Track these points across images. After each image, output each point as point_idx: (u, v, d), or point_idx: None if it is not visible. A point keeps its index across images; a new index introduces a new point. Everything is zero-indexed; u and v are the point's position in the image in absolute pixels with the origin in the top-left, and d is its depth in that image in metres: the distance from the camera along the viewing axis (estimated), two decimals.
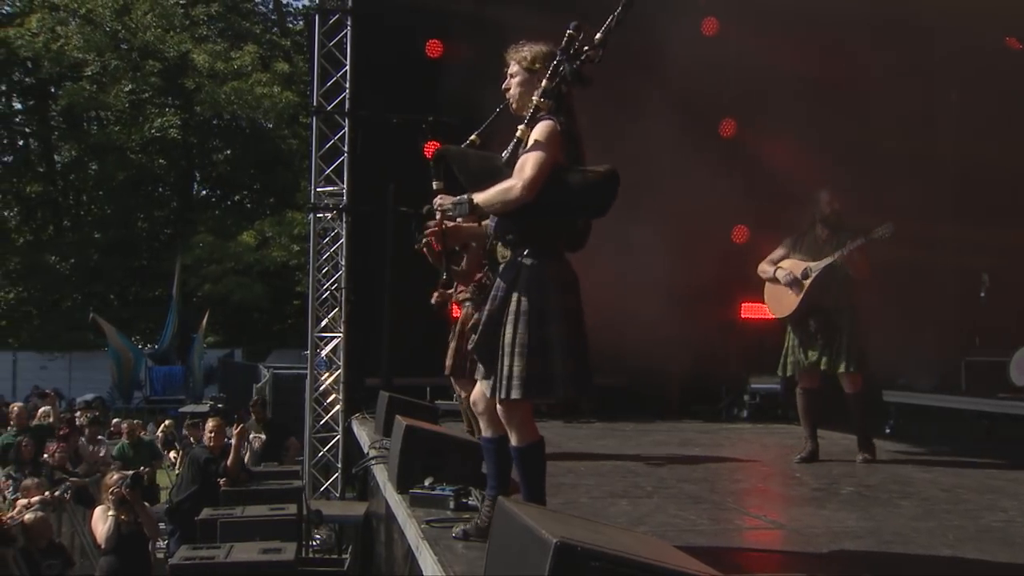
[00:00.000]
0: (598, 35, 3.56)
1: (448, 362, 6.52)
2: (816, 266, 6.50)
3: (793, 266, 6.64)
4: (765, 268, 6.84)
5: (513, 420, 3.57)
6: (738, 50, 9.43)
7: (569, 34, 3.51)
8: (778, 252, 6.81)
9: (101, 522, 7.23)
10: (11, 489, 8.85)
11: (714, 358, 10.41)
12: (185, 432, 13.73)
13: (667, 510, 4.77)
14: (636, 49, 8.23)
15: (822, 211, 6.65)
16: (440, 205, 3.65)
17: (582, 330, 3.59)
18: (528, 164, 3.44)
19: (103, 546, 7.15)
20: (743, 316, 10.41)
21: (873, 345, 6.64)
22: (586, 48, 3.55)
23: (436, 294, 6.76)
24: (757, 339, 10.17)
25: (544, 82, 3.52)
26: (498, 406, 3.56)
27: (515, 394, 3.46)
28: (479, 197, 3.52)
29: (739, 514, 4.92)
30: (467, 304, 6.42)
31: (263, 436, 11.58)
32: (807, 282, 6.54)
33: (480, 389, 3.75)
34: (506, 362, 3.48)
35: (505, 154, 3.58)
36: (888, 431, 8.41)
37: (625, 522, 4.30)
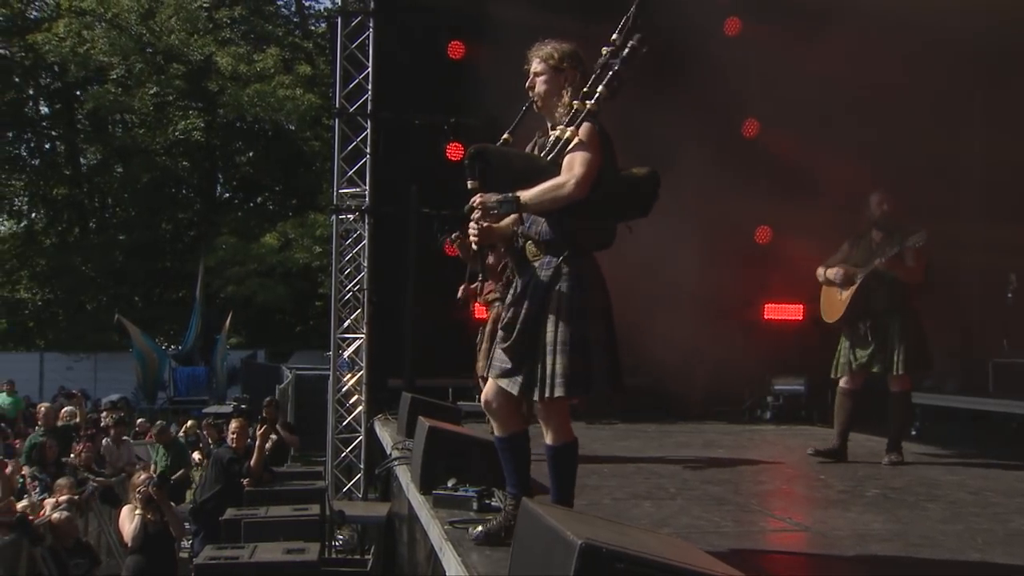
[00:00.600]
0: (614, 36, 3.56)
1: (479, 363, 6.49)
2: (862, 272, 6.49)
3: (845, 270, 6.63)
4: (820, 271, 6.82)
5: (552, 419, 3.58)
6: (761, 50, 9.40)
7: (632, 46, 3.51)
8: (836, 255, 6.80)
9: (128, 521, 7.29)
10: (37, 489, 8.94)
11: (737, 359, 10.35)
12: (205, 432, 13.83)
13: (691, 512, 4.75)
14: (657, 49, 8.24)
15: (873, 214, 6.63)
16: (483, 203, 3.53)
17: (614, 328, 3.63)
18: (577, 162, 3.45)
19: (130, 545, 7.20)
20: (766, 317, 10.37)
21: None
22: (629, 47, 3.56)
23: (462, 287, 6.72)
24: (780, 340, 10.14)
25: (600, 87, 3.53)
26: (538, 405, 3.57)
27: (558, 392, 3.47)
28: (526, 195, 3.47)
29: (763, 516, 4.89)
30: (495, 304, 6.37)
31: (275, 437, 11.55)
32: (853, 287, 6.53)
33: (493, 388, 3.72)
34: (548, 360, 3.49)
35: (543, 154, 3.58)
36: (914, 433, 8.32)
37: (649, 524, 4.28)
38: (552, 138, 3.56)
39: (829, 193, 8.72)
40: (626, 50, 3.52)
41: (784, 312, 10.27)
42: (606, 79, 3.52)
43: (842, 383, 6.72)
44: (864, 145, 9.01)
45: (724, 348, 9.98)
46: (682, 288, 9.11)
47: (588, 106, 3.51)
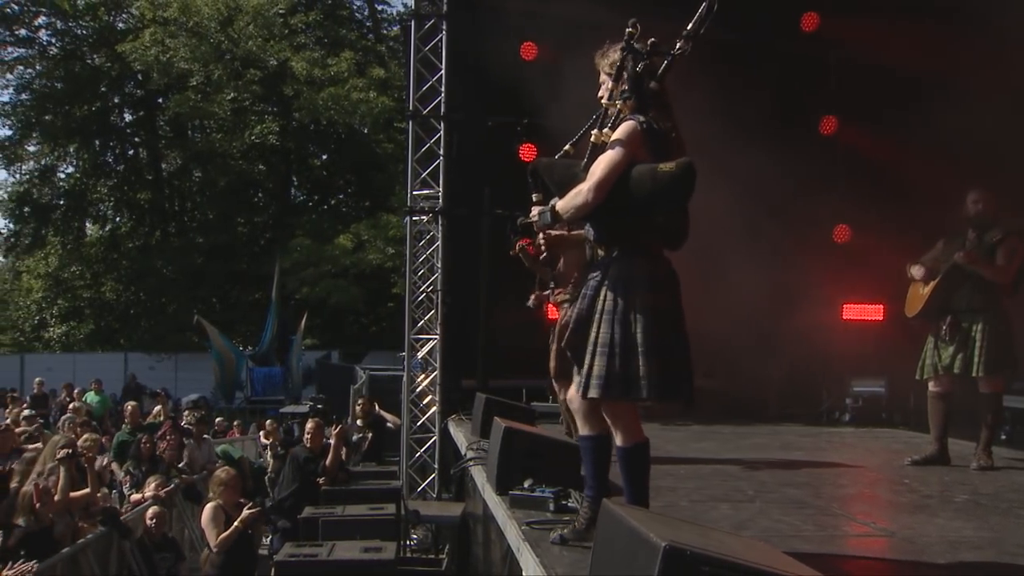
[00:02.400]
0: (690, 26, 3.52)
1: (552, 364, 6.50)
2: (943, 268, 6.33)
3: (929, 266, 6.47)
4: (909, 268, 6.66)
5: (619, 420, 3.56)
6: (840, 44, 9.22)
7: (628, 32, 3.50)
8: (929, 253, 6.63)
9: (212, 518, 7.43)
10: (128, 484, 9.21)
11: (814, 360, 10.18)
12: (296, 428, 14.02)
13: (770, 515, 4.67)
14: (733, 45, 8.15)
15: (967, 212, 6.44)
16: (532, 217, 3.78)
17: (674, 331, 3.51)
18: (599, 167, 3.45)
19: (215, 542, 7.34)
20: (845, 317, 10.15)
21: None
22: (651, 40, 3.53)
23: (533, 296, 6.77)
24: (859, 340, 9.92)
25: (622, 84, 3.53)
26: (603, 406, 3.56)
27: (592, 392, 3.46)
28: (559, 204, 3.59)
29: (846, 520, 4.78)
30: (565, 306, 6.40)
31: (369, 435, 11.60)
32: (934, 282, 6.37)
33: (574, 387, 3.74)
34: (588, 360, 3.49)
35: (584, 161, 3.60)
36: (1004, 437, 8.06)
37: (727, 527, 4.22)
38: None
39: (912, 191, 8.51)
40: (633, 43, 3.51)
41: (864, 312, 10.05)
42: (622, 77, 3.53)
43: (931, 386, 6.53)
44: (947, 139, 8.74)
45: (800, 349, 9.83)
46: (757, 288, 8.97)
47: (621, 105, 3.50)
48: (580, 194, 3.47)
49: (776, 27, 9.51)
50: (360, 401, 11.82)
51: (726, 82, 8.23)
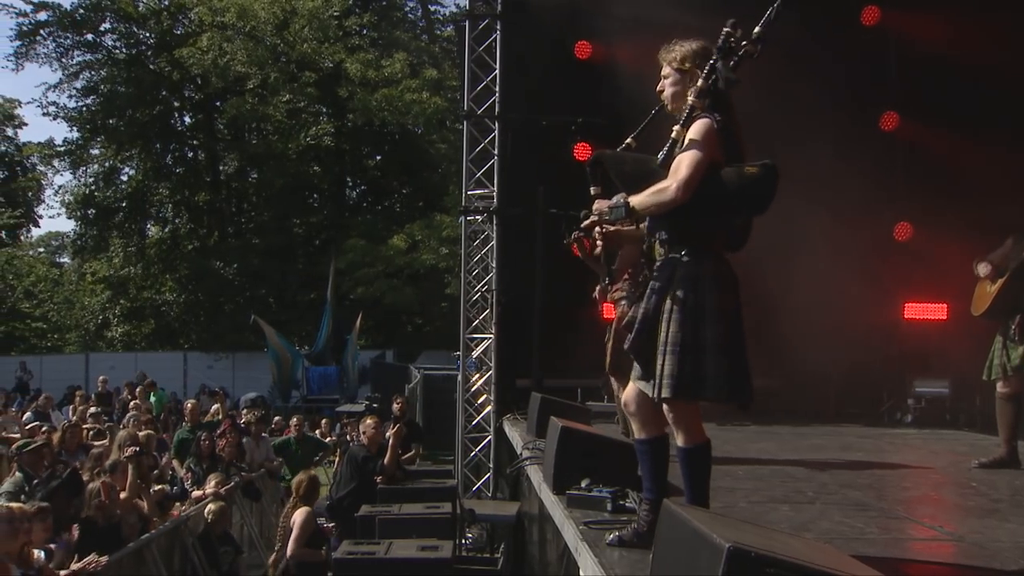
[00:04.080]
0: (756, 29, 3.48)
1: (608, 360, 6.48)
2: (1011, 265, 6.18)
3: (996, 264, 6.32)
4: (975, 265, 6.52)
5: (680, 420, 3.52)
6: (901, 38, 9.05)
7: (726, 31, 3.44)
8: (998, 251, 6.47)
9: (307, 521, 7.52)
10: (189, 481, 9.39)
11: (874, 360, 10.00)
12: (346, 429, 14.17)
13: (832, 517, 4.59)
14: (793, 42, 8.03)
15: None
16: (597, 209, 3.64)
17: (740, 332, 3.50)
18: (683, 164, 3.40)
19: (297, 540, 7.43)
20: (906, 316, 9.96)
21: None
22: (744, 43, 3.47)
23: (599, 287, 6.72)
24: (922, 340, 9.74)
25: (700, 81, 3.47)
26: (664, 407, 3.53)
27: (665, 393, 3.42)
28: (635, 200, 3.51)
29: (911, 523, 4.68)
30: (622, 303, 6.36)
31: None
32: (1002, 280, 6.22)
33: (633, 390, 3.70)
34: (659, 361, 3.45)
35: (661, 155, 3.54)
36: None
37: (788, 528, 4.15)
38: (670, 139, 3.54)
39: (977, 186, 8.32)
40: (720, 38, 3.45)
41: (926, 311, 9.85)
42: (704, 71, 3.47)
43: (999, 387, 6.37)
44: (1019, 135, 8.53)
45: (860, 348, 9.66)
46: (816, 286, 8.84)
47: (694, 102, 3.45)
48: (666, 191, 3.40)
49: (835, 22, 9.36)
50: (398, 398, 11.98)
51: (785, 79, 8.13)
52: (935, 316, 9.78)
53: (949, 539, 4.35)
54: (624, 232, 3.80)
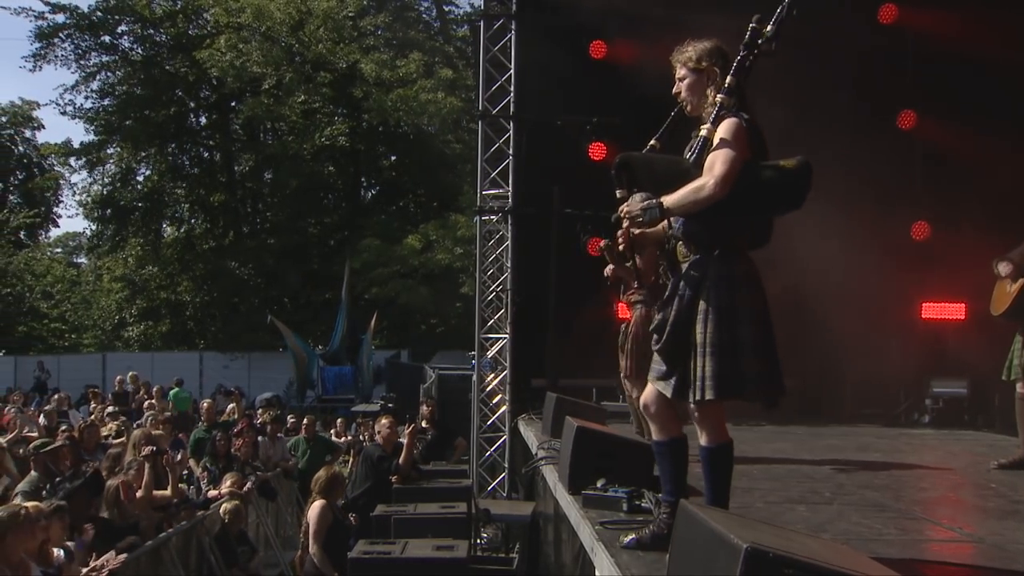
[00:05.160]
0: (769, 27, 3.46)
1: (622, 363, 6.45)
2: None
3: (1017, 263, 6.26)
4: (995, 264, 6.46)
5: (707, 421, 3.51)
6: (918, 37, 8.99)
7: (752, 28, 3.43)
8: (1017, 249, 6.40)
9: (322, 515, 7.53)
10: (205, 480, 9.42)
11: (891, 360, 9.94)
12: (360, 429, 14.20)
13: (849, 517, 4.56)
14: (809, 39, 8.00)
15: None
16: (628, 212, 3.54)
17: (771, 330, 3.49)
18: (719, 161, 3.37)
19: (316, 536, 7.43)
20: (924, 316, 9.90)
21: None
22: (759, 41, 3.46)
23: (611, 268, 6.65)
24: (939, 340, 9.68)
25: (729, 79, 3.45)
26: (692, 407, 3.51)
27: (709, 395, 3.40)
28: (669, 200, 3.45)
29: (929, 525, 4.65)
30: (638, 306, 6.33)
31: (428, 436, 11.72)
32: (1021, 280, 6.17)
33: (652, 391, 3.67)
34: (699, 362, 3.43)
35: (688, 155, 3.52)
36: None
37: (805, 529, 4.13)
38: (698, 138, 3.50)
39: (996, 185, 8.26)
40: (748, 36, 3.44)
41: (944, 311, 9.79)
42: (734, 67, 3.45)
43: (1019, 387, 6.30)
44: None
45: (877, 348, 9.62)
46: (831, 285, 8.80)
47: (722, 101, 3.43)
48: (703, 188, 3.36)
49: (853, 20, 9.31)
50: (427, 402, 11.97)
51: (802, 78, 8.11)
52: (953, 316, 9.72)
53: (968, 541, 4.31)
54: (649, 235, 3.76)
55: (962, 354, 9.35)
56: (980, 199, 8.59)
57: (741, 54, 3.45)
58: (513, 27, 9.70)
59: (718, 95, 3.45)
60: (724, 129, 3.41)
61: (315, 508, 7.49)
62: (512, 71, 9.72)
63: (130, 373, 18.81)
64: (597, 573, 3.84)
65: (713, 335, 3.40)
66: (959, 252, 8.56)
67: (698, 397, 3.43)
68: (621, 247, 3.73)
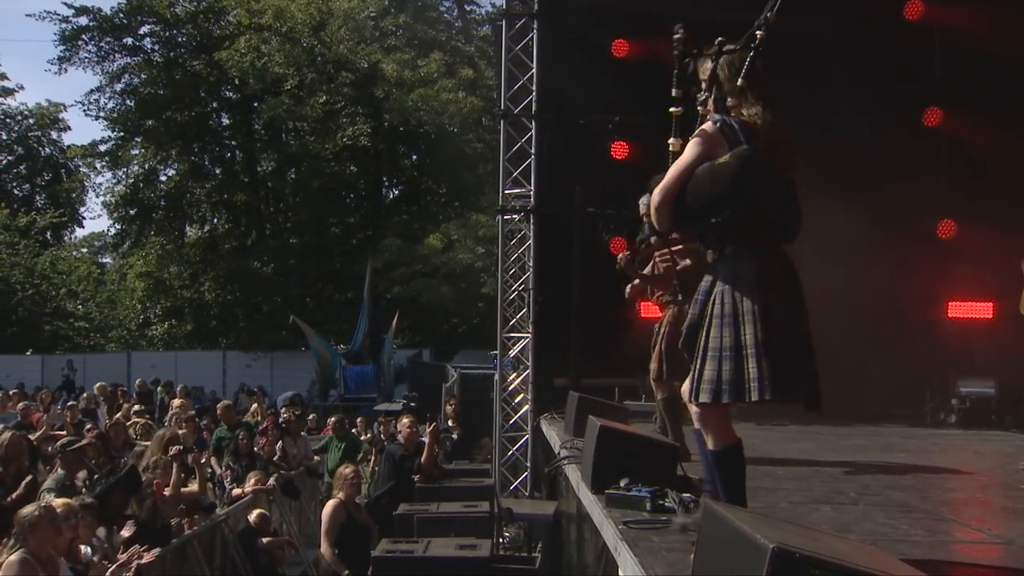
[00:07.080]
0: (768, 13, 3.45)
1: (652, 365, 6.33)
2: None
3: None
4: (1022, 263, 6.39)
5: (707, 423, 3.49)
6: (945, 33, 8.90)
7: (676, 38, 3.55)
8: None
9: (334, 513, 7.56)
10: (228, 479, 9.48)
11: (917, 359, 9.84)
12: (381, 428, 14.24)
13: (875, 518, 4.52)
14: (834, 37, 7.95)
15: None
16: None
17: (792, 330, 3.40)
18: (668, 173, 3.44)
19: (327, 536, 7.47)
20: (950, 315, 9.79)
21: None
22: (718, 40, 3.50)
23: (630, 286, 6.62)
24: (966, 339, 9.58)
25: (734, 82, 3.46)
26: (691, 408, 3.50)
27: (703, 398, 3.38)
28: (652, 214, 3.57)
29: (957, 526, 4.60)
30: (671, 306, 6.22)
31: (455, 436, 11.78)
32: None
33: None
34: (698, 365, 3.42)
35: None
36: None
37: (830, 529, 4.09)
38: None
39: (1021, 183, 8.16)
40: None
41: (971, 310, 9.68)
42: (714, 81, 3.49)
43: None
44: None
45: (903, 348, 9.52)
46: (858, 284, 8.73)
47: (702, 112, 3.48)
48: (652, 202, 3.46)
49: (878, 16, 9.23)
50: (452, 402, 11.98)
51: (828, 75, 8.05)
52: (980, 315, 9.61)
53: (997, 542, 4.26)
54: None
55: (990, 353, 9.27)
56: (1007, 197, 8.49)
57: (715, 64, 3.47)
58: (535, 26, 9.69)
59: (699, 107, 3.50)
60: (693, 137, 3.45)
61: (327, 507, 7.54)
62: (534, 70, 9.71)
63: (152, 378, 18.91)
64: (620, 573, 3.82)
65: (715, 339, 3.39)
66: (986, 251, 8.48)
67: (693, 399, 3.44)
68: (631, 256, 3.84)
